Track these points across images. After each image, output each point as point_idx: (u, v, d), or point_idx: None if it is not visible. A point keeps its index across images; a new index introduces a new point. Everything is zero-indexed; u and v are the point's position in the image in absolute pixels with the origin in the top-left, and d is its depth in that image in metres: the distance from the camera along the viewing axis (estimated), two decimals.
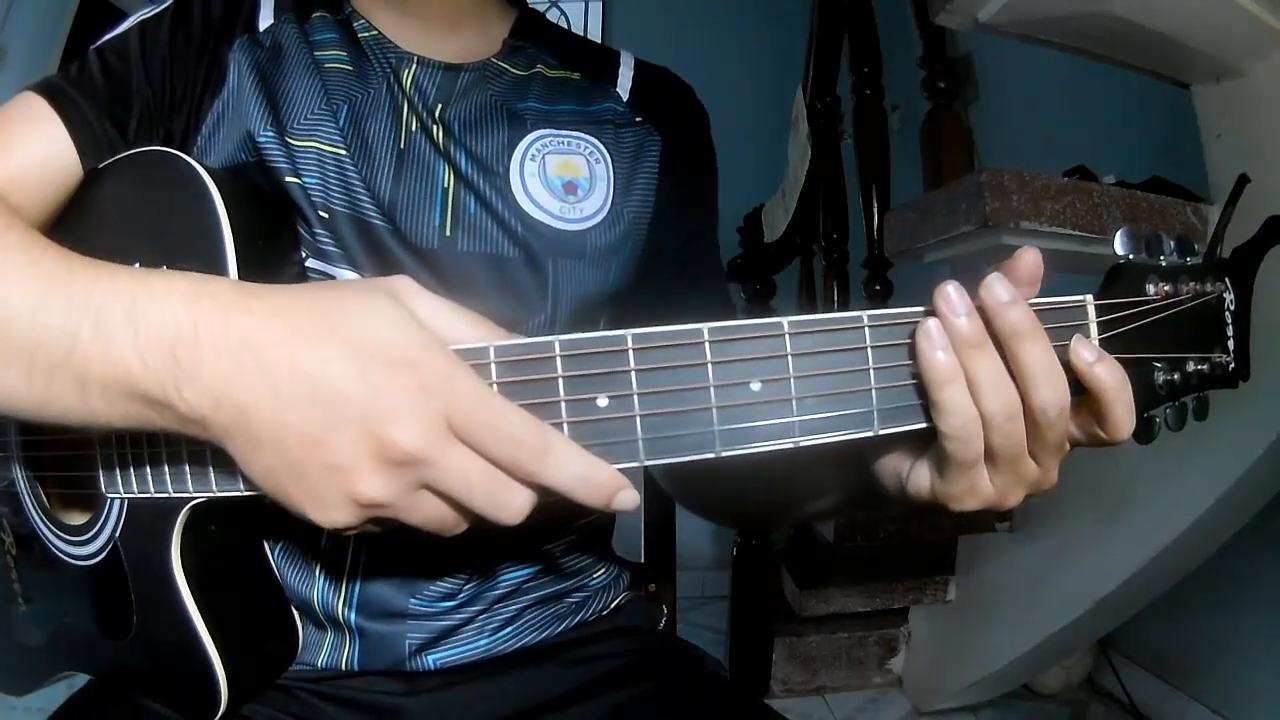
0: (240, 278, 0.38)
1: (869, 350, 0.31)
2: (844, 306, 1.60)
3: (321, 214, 0.47)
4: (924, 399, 0.31)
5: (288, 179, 0.46)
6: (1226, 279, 0.34)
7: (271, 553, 0.48)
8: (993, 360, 0.31)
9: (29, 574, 0.50)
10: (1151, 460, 1.09)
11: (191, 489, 0.38)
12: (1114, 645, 1.51)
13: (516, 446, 0.29)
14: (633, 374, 0.30)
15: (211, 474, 0.37)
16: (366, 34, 0.52)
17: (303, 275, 0.47)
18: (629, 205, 0.53)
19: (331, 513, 0.30)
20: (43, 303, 0.31)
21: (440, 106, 0.51)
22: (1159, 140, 1.31)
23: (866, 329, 0.31)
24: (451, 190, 0.49)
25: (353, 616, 0.48)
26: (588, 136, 0.53)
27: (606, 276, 0.52)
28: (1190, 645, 1.37)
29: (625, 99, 0.57)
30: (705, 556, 2.01)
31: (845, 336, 0.31)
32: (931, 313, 0.31)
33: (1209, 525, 1.05)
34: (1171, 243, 0.33)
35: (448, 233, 0.49)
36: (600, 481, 0.29)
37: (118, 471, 0.41)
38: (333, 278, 0.47)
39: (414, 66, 0.52)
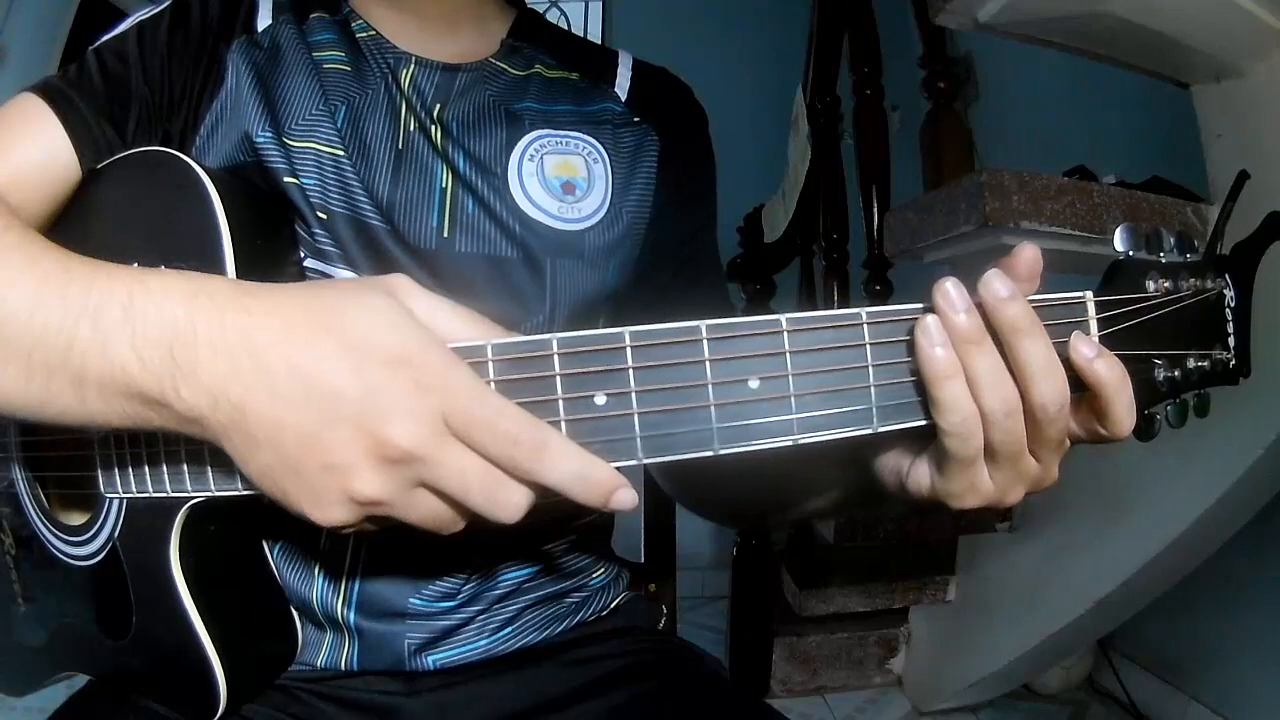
0: (238, 277, 0.38)
1: (868, 347, 0.31)
2: (844, 306, 1.60)
3: (319, 214, 0.47)
4: (923, 396, 0.31)
5: (286, 180, 0.46)
6: (1227, 275, 0.34)
7: (270, 552, 0.48)
8: (992, 356, 0.31)
9: (29, 574, 0.50)
10: (1152, 460, 1.09)
11: (190, 489, 0.38)
12: (1114, 645, 1.51)
13: (513, 444, 0.29)
14: (630, 372, 0.30)
15: (210, 473, 0.36)
16: (364, 34, 0.52)
17: (301, 275, 0.47)
18: (627, 205, 0.53)
19: (329, 511, 0.30)
20: (40, 302, 0.31)
21: (438, 107, 0.51)
22: (1159, 140, 1.31)
23: (865, 326, 0.31)
24: (449, 190, 0.49)
25: (352, 616, 0.48)
26: (586, 136, 0.53)
27: (605, 276, 0.52)
28: (1190, 645, 1.37)
29: (623, 99, 0.57)
30: (705, 556, 2.01)
31: (844, 334, 0.31)
32: (930, 309, 0.31)
33: (1209, 525, 1.05)
34: (1171, 239, 0.33)
35: (446, 233, 0.49)
36: (598, 480, 0.29)
37: (116, 471, 0.41)
38: (331, 278, 0.47)
39: (412, 66, 0.52)
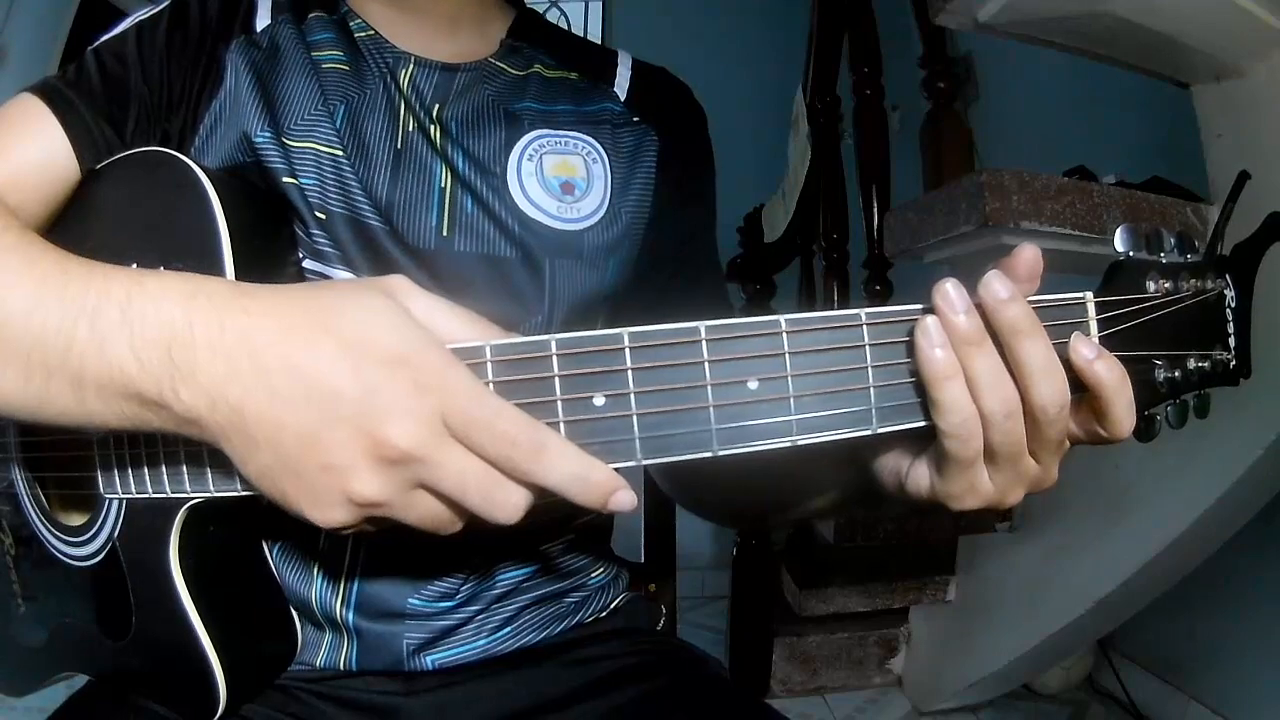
0: (237, 278, 0.38)
1: (867, 348, 0.31)
2: (844, 306, 1.60)
3: (318, 215, 0.47)
4: (922, 397, 0.31)
5: (284, 180, 0.46)
6: (1227, 276, 0.34)
7: (270, 553, 0.48)
8: (992, 358, 0.31)
9: (28, 574, 0.50)
10: (1152, 460, 1.09)
11: (189, 489, 0.38)
12: (1114, 645, 1.51)
13: (511, 445, 0.29)
14: (629, 373, 0.30)
15: (209, 474, 0.36)
16: (363, 34, 0.52)
17: (300, 276, 0.47)
18: (626, 205, 0.53)
19: (328, 512, 0.30)
20: (39, 303, 0.31)
21: (437, 107, 0.51)
22: (1159, 140, 1.31)
23: (864, 327, 0.31)
24: (448, 190, 0.49)
25: (350, 616, 0.48)
26: (585, 136, 0.53)
27: (604, 276, 0.52)
28: (1190, 645, 1.37)
29: (622, 99, 0.57)
30: (705, 556, 2.01)
31: (843, 334, 0.31)
32: (930, 310, 0.31)
33: (1209, 525, 1.05)
34: (1172, 239, 0.33)
35: (445, 233, 0.49)
36: (596, 481, 0.29)
37: (115, 472, 0.41)
38: (329, 279, 0.47)
39: (411, 66, 0.52)
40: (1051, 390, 0.30)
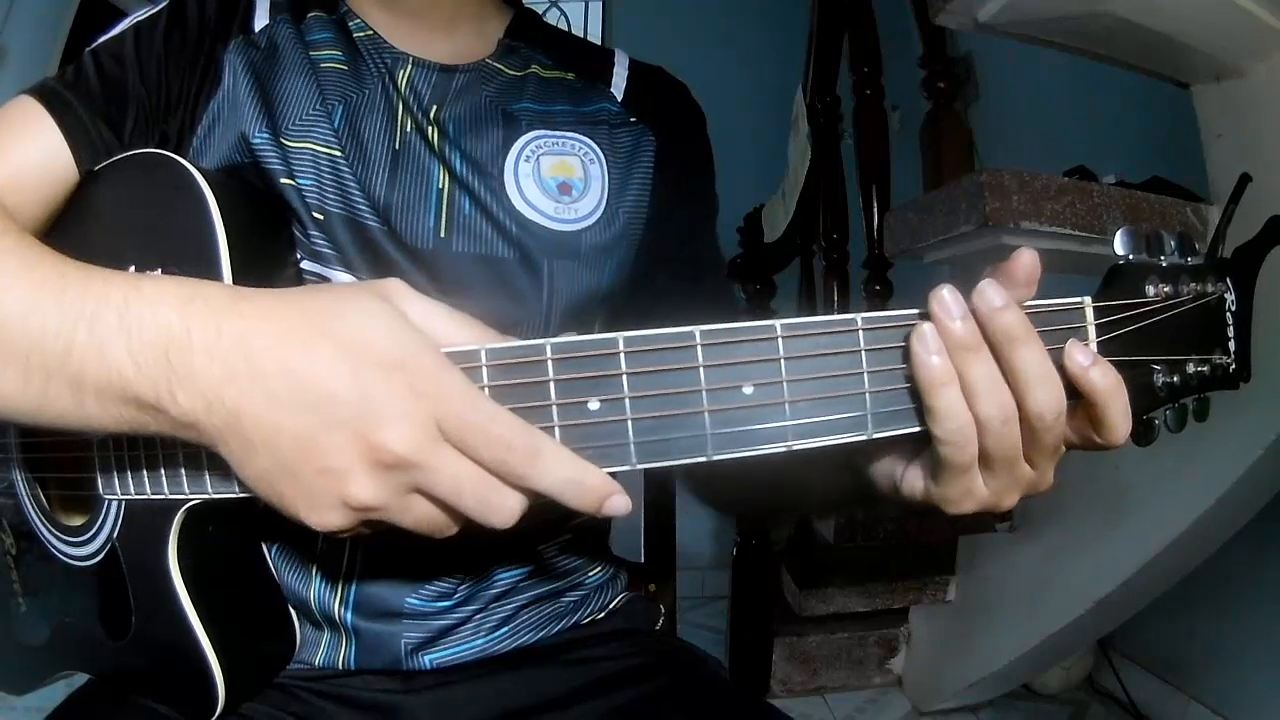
0: (235, 280, 0.38)
1: (863, 353, 0.31)
2: (844, 306, 1.61)
3: (316, 215, 0.47)
4: (918, 403, 0.31)
5: (282, 181, 0.46)
6: (1228, 279, 0.34)
7: (268, 553, 0.48)
8: (988, 364, 0.31)
9: (29, 573, 0.50)
10: (1152, 461, 1.08)
11: (187, 491, 0.38)
12: (1114, 645, 1.51)
13: (506, 450, 0.29)
14: (624, 377, 0.30)
15: (207, 476, 0.37)
16: (361, 34, 0.52)
17: (298, 277, 0.47)
18: (624, 206, 0.53)
19: (324, 515, 0.30)
20: (36, 306, 0.31)
21: (435, 108, 0.51)
22: (1159, 140, 1.31)
23: (860, 332, 0.31)
24: (446, 191, 0.49)
25: (349, 616, 0.48)
26: (582, 137, 0.53)
27: (601, 277, 0.52)
28: (1190, 645, 1.37)
29: (620, 99, 0.57)
30: (705, 556, 2.01)
31: (839, 339, 0.31)
32: (926, 316, 0.31)
33: (1209, 525, 1.05)
34: (1172, 241, 0.33)
35: (442, 234, 0.49)
36: (591, 486, 0.29)
37: (115, 473, 0.41)
38: (327, 280, 0.47)
39: (409, 67, 0.52)
40: (1047, 397, 0.30)
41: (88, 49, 0.49)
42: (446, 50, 0.53)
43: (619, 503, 0.30)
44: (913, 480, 0.35)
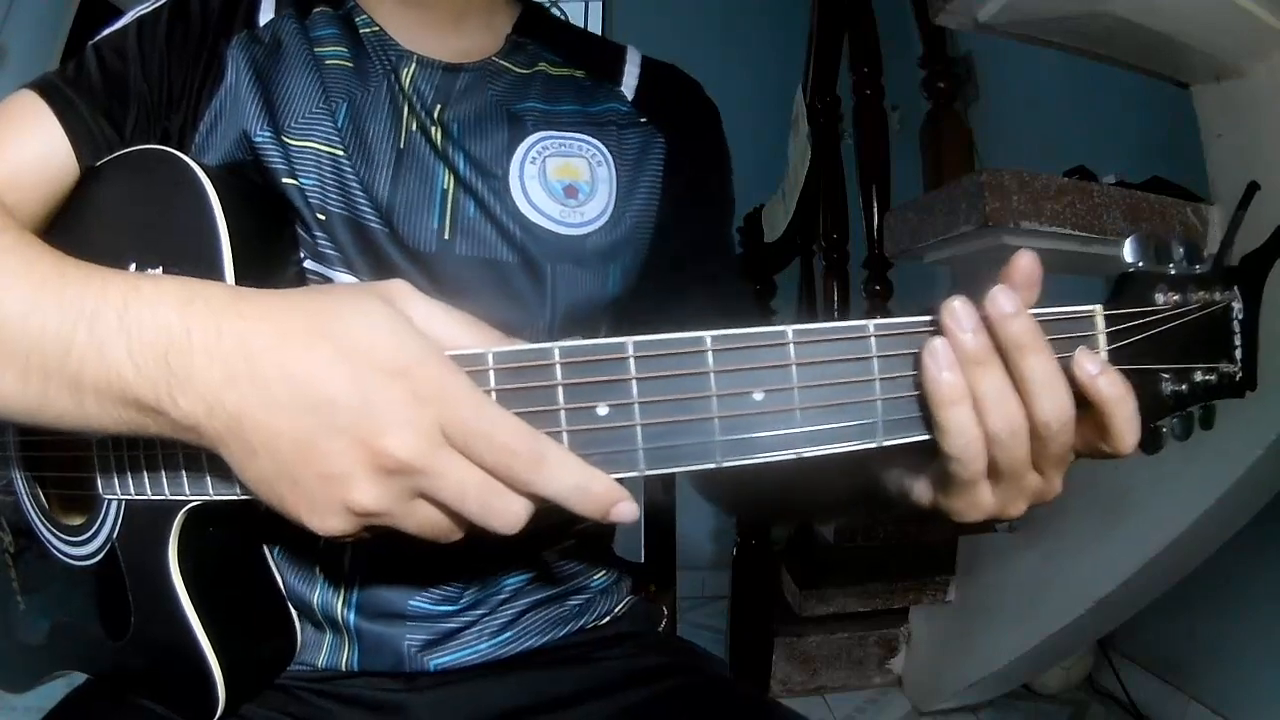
0: (237, 279, 0.38)
1: (874, 360, 0.31)
2: (844, 306, 1.60)
3: (318, 216, 0.46)
4: (928, 411, 0.31)
5: (284, 180, 0.46)
6: (1235, 287, 0.34)
7: (271, 554, 0.48)
8: (998, 376, 0.30)
9: (28, 572, 0.50)
10: (1152, 461, 1.08)
11: (188, 492, 0.37)
12: (1114, 645, 1.51)
13: (511, 456, 0.28)
14: (634, 382, 0.30)
15: (208, 478, 0.36)
16: (367, 30, 0.51)
17: (301, 277, 0.47)
18: (631, 209, 0.52)
19: (326, 520, 0.30)
20: (37, 306, 0.31)
21: (439, 108, 0.50)
22: (1159, 140, 1.31)
23: (873, 339, 0.31)
24: (450, 193, 0.49)
25: (351, 617, 0.48)
26: (589, 138, 0.52)
27: (606, 282, 0.51)
28: (1190, 645, 1.37)
29: (630, 98, 0.55)
30: (705, 556, 2.01)
31: (850, 346, 0.30)
32: (937, 323, 0.30)
33: (1209, 526, 1.05)
34: (1180, 249, 0.33)
35: (446, 236, 0.48)
36: (597, 493, 0.29)
37: (114, 473, 0.40)
38: (330, 280, 0.47)
39: (413, 66, 0.51)
40: (1054, 405, 0.30)
41: (90, 43, 0.49)
42: (453, 47, 0.53)
43: (626, 509, 0.29)
44: (921, 491, 0.35)
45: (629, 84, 0.56)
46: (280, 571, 0.48)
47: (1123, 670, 1.47)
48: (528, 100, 0.53)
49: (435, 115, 0.50)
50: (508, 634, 0.51)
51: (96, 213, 0.45)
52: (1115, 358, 0.32)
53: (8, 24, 1.66)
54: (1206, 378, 0.33)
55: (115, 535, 0.42)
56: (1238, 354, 0.34)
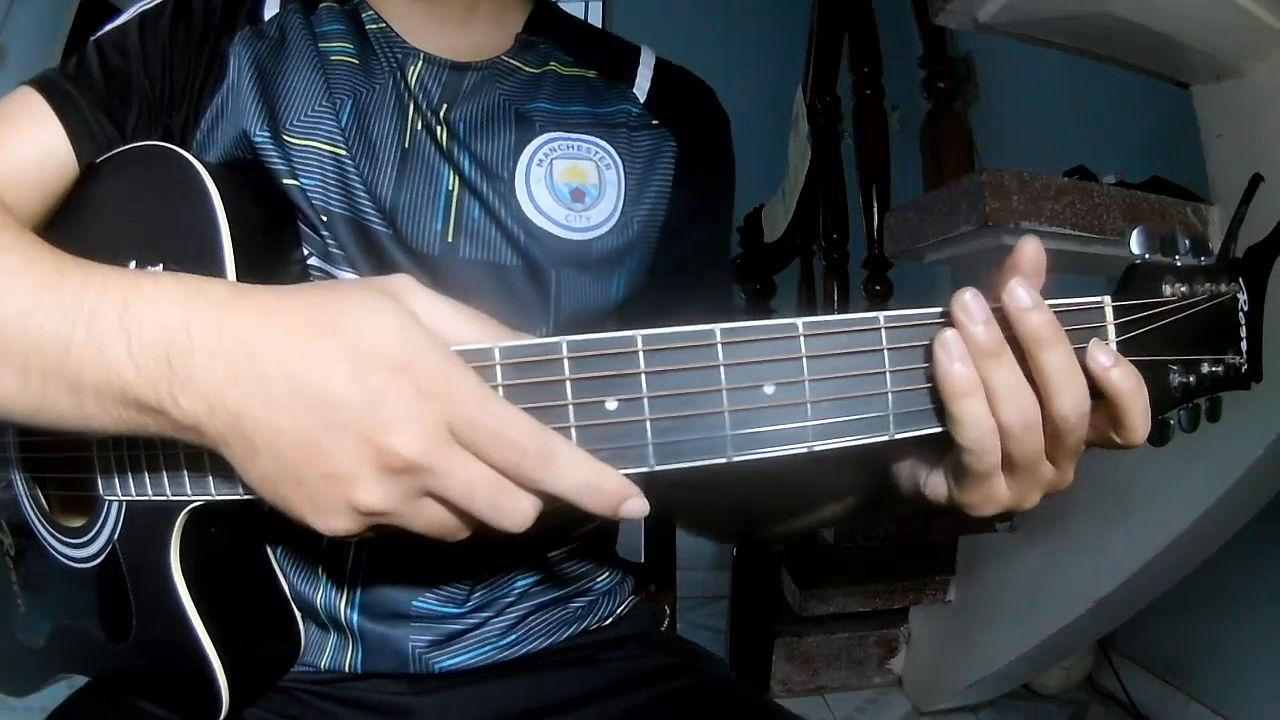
0: (238, 277, 0.38)
1: (885, 352, 0.30)
2: (844, 307, 1.61)
3: (321, 216, 0.46)
4: (940, 403, 0.31)
5: (285, 181, 0.45)
6: (1240, 279, 0.34)
7: (274, 554, 0.47)
8: (1011, 368, 0.30)
9: (28, 575, 0.49)
10: (1152, 460, 1.09)
11: (190, 492, 0.37)
12: (1114, 645, 1.51)
13: (520, 453, 0.28)
14: (643, 376, 0.29)
15: (210, 478, 0.36)
16: (374, 26, 0.51)
17: (304, 275, 0.46)
18: (639, 213, 0.51)
19: (331, 520, 0.29)
20: (36, 305, 0.31)
21: (445, 107, 0.50)
22: (1159, 140, 1.31)
23: (883, 330, 0.30)
24: (455, 194, 0.48)
25: (355, 618, 0.47)
26: (599, 141, 0.51)
27: (610, 288, 0.51)
28: (1190, 645, 1.37)
29: (642, 100, 0.55)
30: (705, 556, 2.01)
31: (861, 338, 0.30)
32: (948, 315, 0.30)
33: (1209, 525, 1.05)
34: (1186, 241, 0.33)
35: (449, 238, 0.48)
36: (607, 489, 0.29)
37: (115, 474, 0.40)
38: (334, 279, 0.47)
39: (419, 64, 0.50)
40: (1073, 399, 0.30)
41: (92, 39, 0.48)
42: (462, 44, 0.52)
43: (636, 506, 0.29)
44: (936, 485, 0.35)
45: (642, 85, 0.55)
46: (283, 572, 0.47)
47: (1123, 670, 1.47)
48: (537, 100, 0.52)
49: (441, 115, 0.49)
50: (513, 636, 0.51)
51: (97, 210, 0.45)
52: (1124, 349, 0.32)
53: (8, 24, 1.66)
54: (1214, 369, 0.33)
55: (116, 536, 0.42)
56: (1243, 345, 0.34)
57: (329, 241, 0.46)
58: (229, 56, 0.47)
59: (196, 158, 0.40)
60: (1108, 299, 0.32)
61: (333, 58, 0.49)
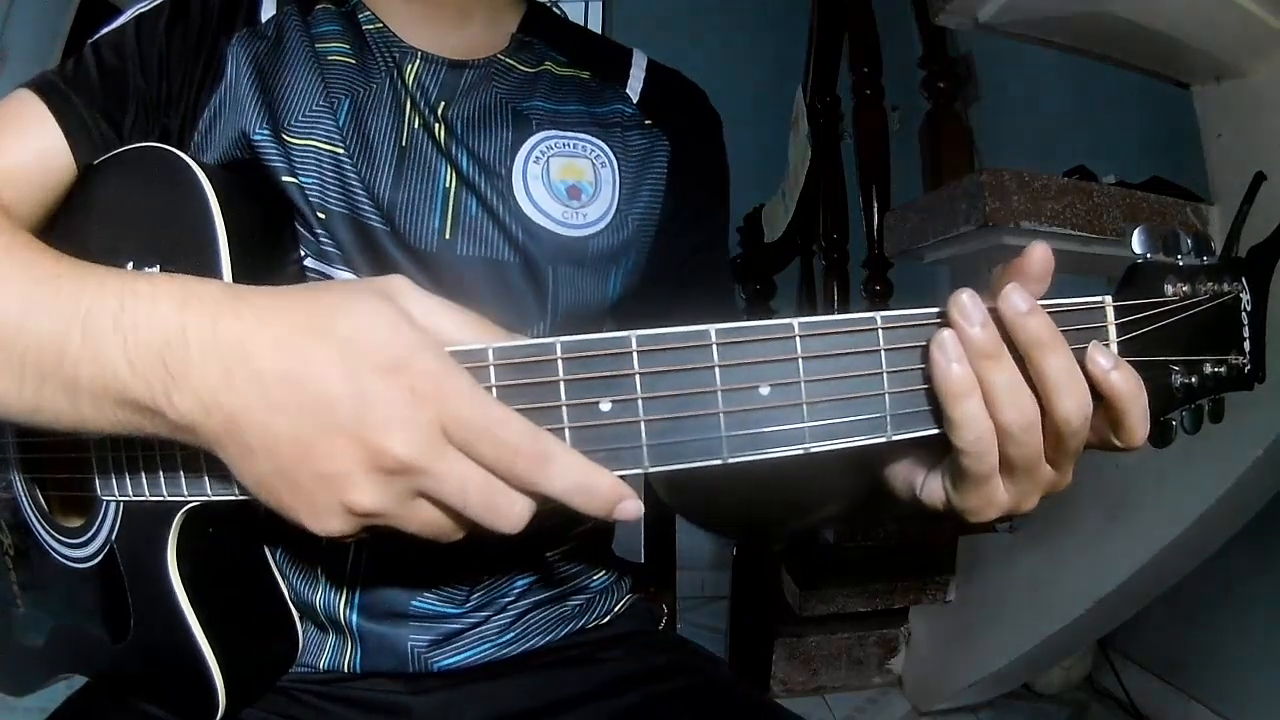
0: (235, 278, 0.38)
1: (882, 353, 0.30)
2: (844, 307, 1.61)
3: (319, 214, 0.46)
4: (938, 404, 0.31)
5: (284, 179, 0.46)
6: (1243, 279, 0.34)
7: (273, 555, 0.47)
8: (1009, 371, 0.30)
9: (27, 575, 0.49)
10: (1152, 460, 1.09)
11: (186, 493, 0.37)
12: (1114, 645, 1.51)
13: (514, 454, 0.28)
14: (637, 377, 0.29)
15: (206, 479, 0.36)
16: (371, 26, 0.51)
17: (301, 275, 0.46)
18: (634, 211, 0.52)
19: (326, 521, 0.29)
20: (32, 307, 0.31)
21: (443, 105, 0.50)
22: (1159, 140, 1.31)
23: (880, 331, 0.30)
24: (452, 192, 0.48)
25: (354, 618, 0.47)
26: (594, 139, 0.52)
27: (607, 285, 0.51)
28: (1190, 645, 1.37)
29: (635, 100, 0.55)
30: (705, 556, 2.01)
31: (858, 338, 0.30)
32: (945, 315, 0.30)
33: (1209, 525, 1.05)
34: (1188, 241, 0.33)
35: (447, 235, 0.48)
36: (601, 491, 0.29)
37: (113, 475, 0.40)
38: (330, 278, 0.47)
39: (417, 62, 0.51)
40: (1075, 404, 0.30)
41: (89, 41, 0.48)
42: (458, 44, 0.52)
43: (631, 507, 0.29)
44: (933, 490, 0.35)
45: (634, 86, 0.56)
46: (282, 572, 0.47)
47: (1123, 670, 1.47)
48: (533, 99, 0.52)
49: (439, 112, 0.50)
50: (511, 634, 0.51)
51: (94, 211, 0.45)
52: (1125, 350, 0.31)
53: (8, 24, 1.66)
54: (1216, 370, 0.33)
55: (114, 537, 0.42)
56: (1246, 345, 0.34)
57: (324, 240, 0.46)
58: (226, 57, 0.48)
59: (194, 159, 0.40)
60: (1109, 299, 0.32)
61: (330, 58, 0.49)
